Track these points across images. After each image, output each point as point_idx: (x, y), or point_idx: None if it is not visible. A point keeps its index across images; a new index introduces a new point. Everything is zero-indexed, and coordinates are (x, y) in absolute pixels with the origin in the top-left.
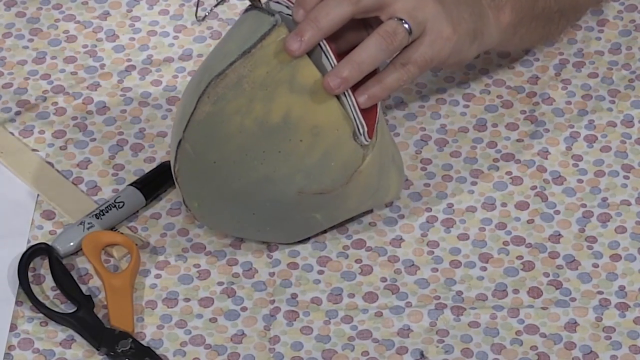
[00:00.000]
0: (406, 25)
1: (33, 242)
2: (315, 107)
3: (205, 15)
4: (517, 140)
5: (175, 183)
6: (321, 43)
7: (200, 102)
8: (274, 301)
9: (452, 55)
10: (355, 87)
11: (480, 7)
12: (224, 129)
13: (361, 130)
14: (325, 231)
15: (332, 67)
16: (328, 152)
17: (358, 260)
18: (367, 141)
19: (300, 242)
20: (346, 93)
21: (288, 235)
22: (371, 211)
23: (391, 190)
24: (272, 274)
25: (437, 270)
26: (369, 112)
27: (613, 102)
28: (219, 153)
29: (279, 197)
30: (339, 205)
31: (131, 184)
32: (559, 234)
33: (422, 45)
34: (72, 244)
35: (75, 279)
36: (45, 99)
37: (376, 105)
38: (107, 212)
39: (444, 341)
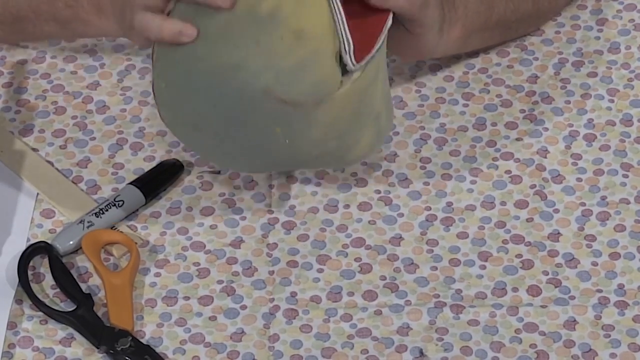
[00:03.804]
0: None
1: (33, 241)
2: (307, 11)
3: None
4: (517, 139)
5: (152, 59)
6: None
7: None
8: (273, 299)
9: (429, 17)
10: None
11: (444, 14)
12: None
13: (347, 48)
14: (323, 230)
15: None
16: (305, 61)
17: (357, 259)
18: (352, 64)
19: (300, 240)
20: (337, 8)
21: (243, 150)
22: (369, 207)
23: (359, 146)
24: (271, 273)
25: (437, 268)
26: (365, 43)
27: (612, 101)
28: (203, 24)
29: (244, 91)
30: (302, 129)
31: (131, 183)
32: (558, 233)
33: None
34: (71, 242)
35: (75, 277)
36: (45, 98)
37: (374, 41)
38: (107, 210)
39: (443, 339)
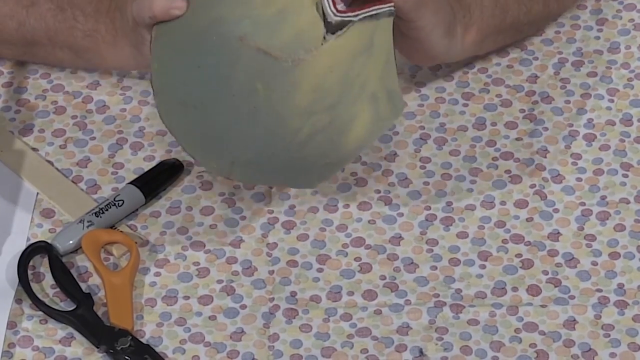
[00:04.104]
0: None
1: (33, 240)
2: None
3: None
4: (516, 139)
5: (150, 48)
6: None
7: None
8: (273, 299)
9: (425, 19)
10: None
11: (454, 18)
12: None
13: None
14: (323, 229)
15: None
16: (284, 12)
17: (357, 258)
18: (331, 11)
19: (299, 239)
20: None
21: (230, 128)
22: (368, 207)
23: (355, 128)
24: (271, 272)
25: (436, 268)
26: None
27: (612, 100)
28: None
29: (222, 42)
30: (285, 90)
31: (131, 182)
32: (558, 232)
33: None
34: (71, 242)
35: (75, 277)
36: (45, 98)
37: (367, 8)
38: (107, 210)
39: (443, 339)
